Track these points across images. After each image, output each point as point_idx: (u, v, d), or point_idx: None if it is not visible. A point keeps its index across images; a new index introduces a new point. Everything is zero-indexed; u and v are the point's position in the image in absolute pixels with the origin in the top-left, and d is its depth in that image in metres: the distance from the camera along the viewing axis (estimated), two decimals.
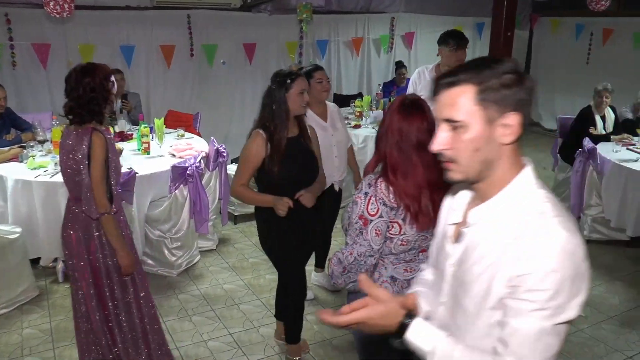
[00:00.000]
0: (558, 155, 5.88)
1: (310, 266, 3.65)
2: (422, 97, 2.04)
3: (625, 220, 4.54)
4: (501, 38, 3.38)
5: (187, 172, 4.05)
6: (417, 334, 1.24)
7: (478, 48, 8.81)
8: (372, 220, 1.91)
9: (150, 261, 4.24)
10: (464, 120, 1.14)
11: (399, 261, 2.02)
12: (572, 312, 1.10)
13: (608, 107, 5.58)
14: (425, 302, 1.42)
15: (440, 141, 1.18)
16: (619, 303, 3.96)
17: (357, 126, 5.65)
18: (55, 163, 3.74)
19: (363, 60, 8.12)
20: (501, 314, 1.15)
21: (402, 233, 1.95)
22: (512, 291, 1.12)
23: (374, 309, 1.26)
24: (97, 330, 2.67)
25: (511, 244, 1.13)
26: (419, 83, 4.12)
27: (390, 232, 1.95)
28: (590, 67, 8.67)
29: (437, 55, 4.04)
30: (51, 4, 4.50)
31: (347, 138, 3.81)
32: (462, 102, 1.14)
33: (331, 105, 3.71)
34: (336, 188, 3.67)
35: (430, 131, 2.01)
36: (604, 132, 5.46)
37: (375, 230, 1.92)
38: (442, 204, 1.46)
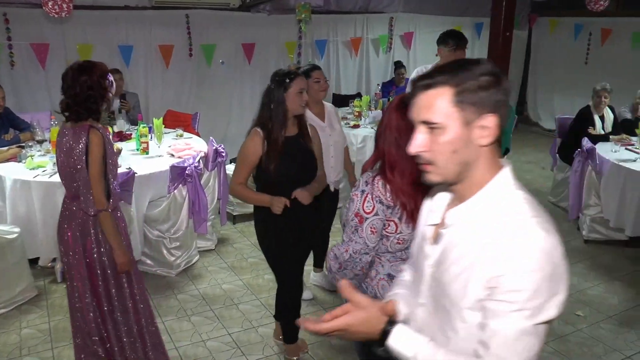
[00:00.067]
0: (557, 155, 5.89)
1: (309, 266, 3.65)
2: None
3: (624, 220, 4.55)
4: (500, 38, 3.39)
5: (186, 172, 4.05)
6: (399, 340, 1.24)
7: (477, 48, 8.82)
8: (367, 218, 1.91)
9: (149, 261, 4.24)
10: (441, 123, 1.15)
11: (396, 259, 2.02)
12: (551, 312, 1.10)
13: (607, 107, 5.59)
14: (404, 304, 1.42)
15: (418, 143, 1.19)
16: (617, 303, 3.96)
17: (356, 126, 5.65)
18: (54, 163, 3.73)
19: (362, 60, 8.12)
20: (480, 315, 1.15)
21: (398, 232, 1.95)
22: (490, 293, 1.12)
23: (355, 315, 1.26)
24: (91, 328, 2.68)
25: (489, 244, 1.13)
26: None
27: (386, 230, 1.95)
28: (589, 67, 8.67)
29: (436, 55, 4.05)
30: (50, 3, 4.49)
31: (344, 138, 3.81)
32: (439, 104, 1.14)
33: (329, 106, 3.71)
34: (332, 188, 3.67)
35: None
36: (602, 132, 5.47)
37: (371, 228, 1.92)
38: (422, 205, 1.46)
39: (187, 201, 4.14)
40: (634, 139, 5.18)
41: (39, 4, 4.82)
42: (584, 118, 5.53)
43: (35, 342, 3.38)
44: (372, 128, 5.56)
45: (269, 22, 7.11)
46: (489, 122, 1.14)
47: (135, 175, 3.81)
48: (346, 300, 1.32)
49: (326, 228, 3.91)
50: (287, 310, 3.12)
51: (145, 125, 4.54)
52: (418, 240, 1.40)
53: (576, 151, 5.08)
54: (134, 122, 5.25)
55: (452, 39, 3.89)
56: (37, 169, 3.93)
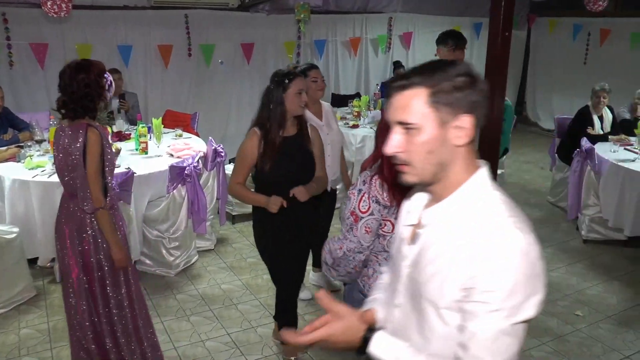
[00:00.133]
0: (556, 155, 5.89)
1: (308, 266, 3.65)
2: None
3: (622, 220, 4.55)
4: (499, 38, 3.38)
5: (185, 172, 4.05)
6: (379, 347, 1.25)
7: (476, 48, 8.83)
8: (362, 218, 1.91)
9: (148, 261, 4.24)
10: (417, 123, 1.15)
11: None
12: (529, 311, 1.10)
13: (606, 107, 5.59)
14: (383, 309, 1.42)
15: (394, 144, 1.19)
16: (616, 302, 3.97)
17: (355, 126, 5.65)
18: (53, 163, 3.73)
19: (361, 60, 8.12)
20: (457, 315, 1.15)
21: (395, 231, 1.95)
22: (467, 294, 1.12)
23: (334, 326, 1.27)
24: (85, 326, 2.68)
25: (465, 244, 1.13)
26: None
27: (382, 229, 1.95)
28: (588, 67, 8.68)
29: (435, 55, 4.04)
30: (49, 3, 4.49)
31: (341, 138, 3.81)
32: (414, 104, 1.15)
33: (326, 105, 3.71)
34: (328, 188, 3.67)
35: None
36: (601, 132, 5.47)
37: (365, 227, 1.92)
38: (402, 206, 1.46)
39: (186, 201, 4.14)
40: (632, 139, 5.19)
41: (38, 4, 4.81)
42: (583, 118, 5.54)
43: (34, 342, 3.38)
44: (371, 128, 5.56)
45: (268, 22, 7.12)
46: (465, 123, 1.15)
47: (135, 175, 3.81)
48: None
49: (325, 227, 3.91)
50: (284, 310, 3.12)
51: (144, 125, 4.54)
52: (396, 241, 1.40)
53: (575, 151, 5.09)
54: (133, 122, 5.25)
55: (451, 39, 3.89)
56: (36, 168, 3.93)
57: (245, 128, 2.92)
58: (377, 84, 7.47)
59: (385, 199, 1.90)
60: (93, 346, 2.71)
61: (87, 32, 6.07)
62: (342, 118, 5.92)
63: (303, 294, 3.76)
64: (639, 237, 4.58)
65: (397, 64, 7.53)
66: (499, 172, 5.07)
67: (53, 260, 4.07)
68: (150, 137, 4.68)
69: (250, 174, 2.92)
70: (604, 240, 4.90)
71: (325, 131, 3.53)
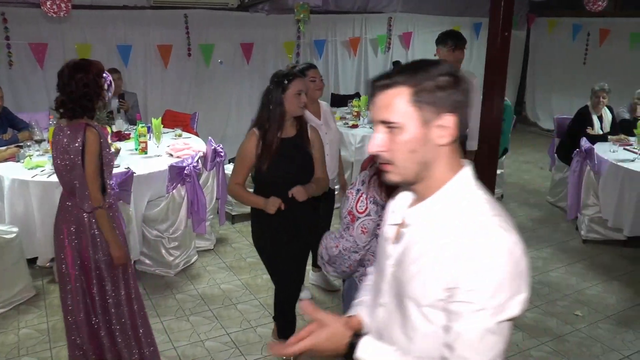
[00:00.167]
0: (555, 155, 5.89)
1: (308, 266, 3.65)
2: None
3: (622, 220, 4.56)
4: (498, 38, 3.38)
5: (185, 171, 4.05)
6: (366, 352, 1.25)
7: (475, 48, 8.83)
8: (359, 218, 1.91)
9: (147, 261, 4.23)
10: (399, 122, 1.15)
11: None
12: (514, 310, 1.10)
13: (605, 107, 5.59)
14: (368, 311, 1.43)
15: (377, 143, 1.19)
16: (616, 302, 3.97)
17: (355, 126, 5.65)
18: (52, 162, 3.74)
19: (360, 60, 8.12)
20: (440, 314, 1.16)
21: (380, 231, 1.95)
22: (451, 294, 1.12)
23: (318, 334, 1.27)
24: (81, 326, 2.69)
25: (449, 243, 1.13)
26: None
27: (380, 230, 1.95)
28: (587, 67, 8.69)
29: (435, 55, 4.05)
30: (48, 3, 4.49)
31: (339, 137, 3.81)
32: (397, 103, 1.15)
33: (324, 104, 3.72)
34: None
35: None
36: (601, 132, 5.48)
37: (362, 227, 1.92)
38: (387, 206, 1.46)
39: (186, 201, 4.14)
40: (632, 139, 5.19)
41: (37, 4, 4.81)
42: (582, 118, 5.54)
43: (33, 342, 3.38)
44: (370, 128, 5.56)
45: (268, 22, 7.11)
46: (448, 122, 1.15)
47: (134, 175, 3.80)
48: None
49: (324, 228, 3.90)
50: (283, 310, 3.12)
51: (143, 125, 4.53)
52: (381, 241, 1.40)
53: (574, 151, 5.09)
54: (132, 122, 5.25)
55: (451, 39, 3.89)
56: (35, 168, 3.92)
57: (245, 128, 2.92)
58: None
59: (384, 199, 1.90)
60: (90, 346, 2.72)
61: (86, 32, 6.07)
62: (342, 118, 5.93)
63: (303, 294, 3.75)
64: (638, 237, 4.58)
65: (396, 64, 7.49)
66: (498, 172, 5.08)
67: (52, 260, 4.06)
68: (150, 137, 4.68)
69: (250, 174, 2.92)
70: (604, 240, 4.90)
71: (324, 130, 3.53)
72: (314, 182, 2.88)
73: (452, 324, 1.13)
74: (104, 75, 2.64)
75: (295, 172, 2.79)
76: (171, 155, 4.40)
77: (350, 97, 6.85)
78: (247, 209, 4.39)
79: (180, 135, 5.08)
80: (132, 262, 3.09)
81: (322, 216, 3.71)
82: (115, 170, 3.61)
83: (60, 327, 3.49)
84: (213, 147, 4.49)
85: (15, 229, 3.71)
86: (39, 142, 4.38)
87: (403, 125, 1.15)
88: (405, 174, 1.20)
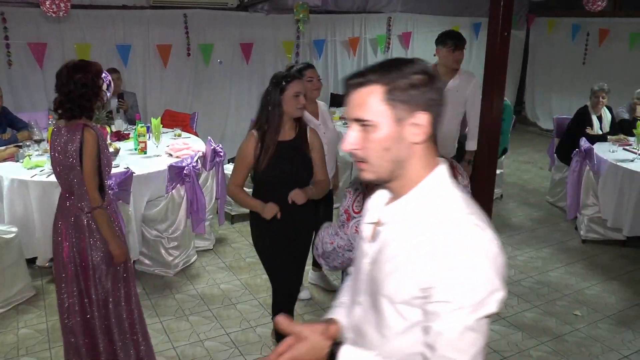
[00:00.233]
0: (555, 155, 5.89)
1: (307, 266, 3.65)
2: None
3: (621, 220, 4.56)
4: (498, 38, 3.38)
5: (184, 171, 4.05)
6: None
7: (475, 48, 8.83)
8: (354, 217, 1.91)
9: (147, 261, 4.23)
10: (373, 120, 1.16)
11: None
12: (491, 307, 1.10)
13: (604, 107, 5.60)
14: (346, 312, 1.43)
15: (351, 141, 1.20)
16: (615, 302, 3.97)
17: None
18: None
19: (360, 60, 8.11)
20: (414, 312, 1.16)
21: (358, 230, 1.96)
22: (427, 294, 1.12)
23: (298, 348, 1.27)
24: (76, 325, 2.69)
25: (423, 241, 1.13)
26: None
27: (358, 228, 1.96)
28: (587, 68, 8.69)
29: (434, 55, 4.05)
30: (47, 3, 4.47)
31: (337, 137, 3.81)
32: (370, 102, 1.16)
33: (322, 104, 3.72)
34: None
35: None
36: (600, 132, 5.48)
37: (356, 227, 1.92)
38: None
39: (185, 201, 4.14)
40: (631, 139, 5.20)
41: (36, 3, 4.80)
42: (582, 118, 5.55)
43: (32, 342, 3.37)
44: None
45: (267, 22, 7.11)
46: (421, 120, 1.16)
47: (133, 174, 3.80)
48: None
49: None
50: (282, 311, 3.11)
51: (143, 124, 4.53)
52: (359, 239, 1.40)
53: (574, 151, 5.10)
54: (132, 122, 5.25)
55: (451, 40, 3.89)
56: (34, 168, 3.92)
57: (244, 128, 2.93)
58: None
59: None
60: (85, 347, 2.72)
61: (85, 32, 6.06)
62: (341, 118, 5.92)
63: (302, 294, 3.76)
64: (637, 237, 4.59)
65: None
66: (498, 172, 5.08)
67: (51, 260, 4.06)
68: (149, 137, 4.68)
69: (250, 174, 2.92)
70: (603, 240, 4.91)
71: (322, 130, 3.53)
72: (313, 184, 2.88)
73: (431, 324, 1.13)
74: (103, 75, 2.65)
75: (293, 174, 2.79)
76: (170, 155, 4.40)
77: None
78: (247, 209, 4.39)
79: (179, 135, 5.08)
80: (132, 261, 3.09)
81: (322, 217, 3.70)
82: (114, 170, 3.61)
83: (59, 327, 3.47)
84: (212, 147, 4.49)
85: (14, 229, 3.70)
86: (38, 142, 4.38)
87: (377, 123, 1.16)
88: (379, 172, 1.20)
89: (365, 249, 1.31)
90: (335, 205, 4.05)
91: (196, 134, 5.38)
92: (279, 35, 7.25)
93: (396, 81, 1.14)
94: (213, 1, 6.55)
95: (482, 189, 3.55)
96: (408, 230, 1.18)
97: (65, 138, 2.52)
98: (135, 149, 4.46)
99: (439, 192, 1.19)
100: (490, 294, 1.09)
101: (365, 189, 1.93)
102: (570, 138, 5.46)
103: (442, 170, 1.22)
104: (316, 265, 4.07)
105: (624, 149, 5.01)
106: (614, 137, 5.27)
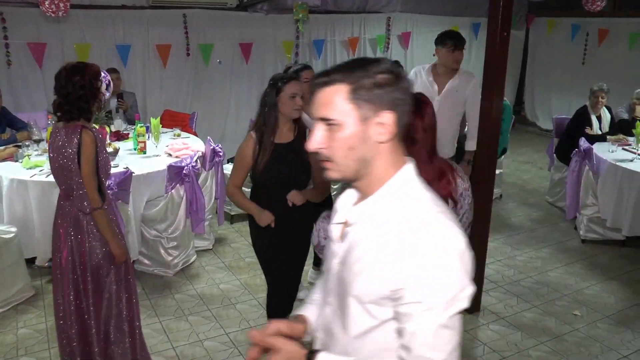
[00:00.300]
0: (554, 155, 5.90)
1: (307, 266, 3.65)
2: None
3: (621, 220, 4.56)
4: (497, 38, 3.38)
5: (184, 171, 4.04)
6: None
7: (474, 48, 8.83)
8: None
9: (146, 261, 4.23)
10: (338, 119, 1.16)
11: None
12: (463, 303, 1.11)
13: (604, 108, 5.60)
14: (317, 310, 1.43)
15: (316, 140, 1.20)
16: (614, 302, 3.97)
17: None
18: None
19: None
20: (382, 310, 1.16)
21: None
22: (398, 296, 1.12)
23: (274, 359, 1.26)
24: (71, 326, 2.69)
25: (391, 240, 1.13)
26: (415, 82, 4.13)
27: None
28: (586, 68, 8.69)
29: (434, 55, 4.05)
30: (46, 3, 4.47)
31: None
32: (336, 101, 1.16)
33: None
34: None
35: (425, 129, 2.02)
36: (599, 132, 5.48)
37: None
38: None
39: (185, 201, 4.14)
40: (630, 139, 5.20)
41: (35, 3, 4.80)
42: (581, 118, 5.55)
43: (32, 342, 3.37)
44: None
45: (267, 22, 7.11)
46: (386, 119, 1.16)
47: (133, 174, 3.80)
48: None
49: None
50: (276, 313, 3.09)
51: (142, 124, 4.53)
52: (329, 240, 1.40)
53: (573, 151, 5.10)
54: (131, 122, 5.24)
55: (450, 40, 3.89)
56: (34, 168, 3.92)
57: (244, 128, 2.93)
58: None
59: None
60: (79, 348, 2.72)
61: (85, 32, 6.06)
62: None
63: (301, 293, 3.75)
64: (637, 236, 4.60)
65: (395, 64, 7.51)
66: (497, 171, 5.08)
67: (51, 260, 4.06)
68: (149, 137, 4.68)
69: (250, 175, 2.92)
70: (602, 240, 4.91)
71: None
72: (313, 188, 2.88)
73: (405, 325, 1.12)
74: (102, 75, 2.65)
75: (292, 176, 2.78)
76: (170, 155, 4.40)
77: None
78: None
79: (179, 135, 5.08)
80: (131, 261, 3.10)
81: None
82: (114, 170, 3.61)
83: None
84: (212, 147, 4.49)
85: (13, 229, 3.70)
86: (37, 141, 4.38)
87: (341, 122, 1.16)
88: (345, 171, 1.20)
89: (335, 250, 1.30)
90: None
91: (195, 134, 5.38)
92: (278, 35, 7.25)
93: (361, 80, 1.15)
94: (212, 1, 6.55)
95: (481, 189, 3.55)
96: (375, 230, 1.18)
97: (63, 139, 2.53)
98: (135, 149, 4.46)
99: (406, 190, 1.20)
100: (460, 291, 1.10)
101: None
102: (570, 138, 5.46)
103: (409, 169, 1.22)
104: (316, 264, 4.07)
105: (623, 149, 5.01)
106: (613, 137, 5.28)
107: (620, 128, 5.55)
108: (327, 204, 3.73)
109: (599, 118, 5.58)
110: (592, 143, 5.01)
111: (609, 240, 4.88)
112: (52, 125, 2.69)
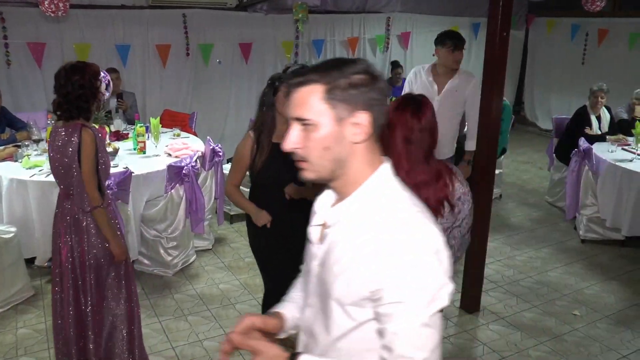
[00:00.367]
0: (554, 155, 5.90)
1: None
2: None
3: (620, 220, 4.56)
4: (497, 38, 3.38)
5: (183, 171, 4.04)
6: None
7: (474, 48, 8.83)
8: None
9: (146, 261, 4.23)
10: (313, 119, 1.16)
11: None
12: (443, 301, 1.11)
13: (603, 108, 5.61)
14: (297, 310, 1.43)
15: (292, 140, 1.20)
16: (614, 302, 3.98)
17: None
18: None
19: None
20: (362, 312, 1.16)
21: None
22: (378, 296, 1.12)
23: None
24: (69, 326, 2.69)
25: (369, 240, 1.13)
26: (414, 82, 4.14)
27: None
28: (586, 68, 8.70)
29: (433, 55, 4.05)
30: (46, 2, 4.47)
31: None
32: (311, 101, 1.16)
33: None
34: None
35: (422, 130, 2.02)
36: (599, 132, 5.49)
37: None
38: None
39: (184, 201, 4.14)
40: (630, 139, 5.20)
41: (35, 3, 4.80)
42: (581, 118, 5.55)
43: (31, 342, 3.37)
44: None
45: (266, 22, 7.11)
46: (362, 120, 1.15)
47: (132, 174, 3.80)
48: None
49: None
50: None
51: (142, 124, 4.53)
52: (308, 242, 1.40)
53: (573, 151, 5.10)
54: (131, 122, 5.24)
55: (450, 40, 3.89)
56: (33, 168, 3.92)
57: (243, 128, 2.94)
58: None
59: None
60: (76, 348, 2.73)
61: (85, 32, 6.06)
62: None
63: None
64: (636, 236, 4.60)
65: (395, 64, 7.53)
66: (497, 172, 5.08)
67: (50, 259, 4.06)
68: (148, 137, 4.67)
69: (249, 173, 2.93)
70: (602, 240, 4.91)
71: None
72: (310, 187, 2.88)
73: (386, 326, 1.12)
74: (102, 74, 2.66)
75: (290, 177, 2.78)
76: (170, 155, 4.39)
77: None
78: None
79: (178, 135, 5.08)
80: (131, 261, 3.10)
81: None
82: (113, 170, 3.61)
83: None
84: (211, 147, 4.49)
85: (13, 229, 3.70)
86: (37, 141, 4.38)
87: (317, 122, 1.16)
88: (320, 172, 1.20)
89: (314, 251, 1.30)
90: None
91: (195, 134, 5.38)
92: (278, 35, 7.25)
93: (336, 80, 1.14)
94: (212, 1, 6.55)
95: (481, 189, 3.55)
96: (353, 231, 1.18)
97: (63, 138, 2.54)
98: (135, 149, 4.46)
99: (384, 190, 1.20)
100: (439, 289, 1.10)
101: None
102: (569, 138, 5.47)
103: (386, 168, 1.22)
104: None
105: (623, 149, 5.01)
106: (612, 137, 5.28)
107: (620, 128, 5.56)
108: None
109: (598, 118, 5.58)
110: (591, 143, 5.02)
111: (609, 240, 4.88)
112: (52, 125, 2.69)
